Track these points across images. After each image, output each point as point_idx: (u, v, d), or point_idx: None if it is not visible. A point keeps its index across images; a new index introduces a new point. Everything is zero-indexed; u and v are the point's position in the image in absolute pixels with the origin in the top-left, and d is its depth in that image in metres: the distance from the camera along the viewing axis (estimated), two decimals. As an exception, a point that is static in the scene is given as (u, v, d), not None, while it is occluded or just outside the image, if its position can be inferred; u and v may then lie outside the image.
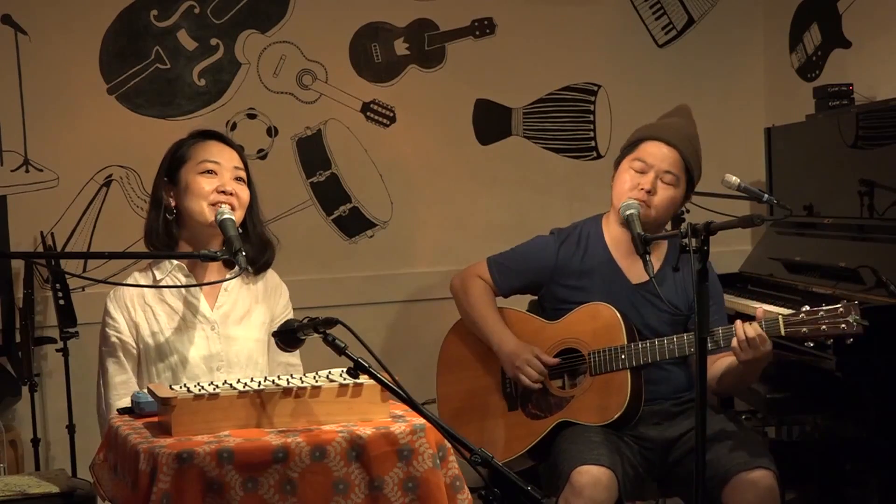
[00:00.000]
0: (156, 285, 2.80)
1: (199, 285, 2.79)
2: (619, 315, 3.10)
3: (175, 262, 2.80)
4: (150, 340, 2.75)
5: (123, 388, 2.73)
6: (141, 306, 2.77)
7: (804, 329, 2.81)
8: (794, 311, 2.85)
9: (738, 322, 2.89)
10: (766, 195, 3.16)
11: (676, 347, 3.02)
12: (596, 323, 3.14)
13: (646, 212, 3.11)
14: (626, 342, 3.07)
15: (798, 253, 3.86)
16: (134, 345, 2.76)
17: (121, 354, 2.75)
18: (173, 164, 2.85)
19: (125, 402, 2.64)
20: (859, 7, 4.13)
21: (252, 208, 2.85)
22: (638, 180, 3.12)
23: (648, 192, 3.10)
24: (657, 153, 3.15)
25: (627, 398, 3.03)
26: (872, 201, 3.55)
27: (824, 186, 3.88)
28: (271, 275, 2.93)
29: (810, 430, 4.10)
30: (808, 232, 3.92)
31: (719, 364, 3.09)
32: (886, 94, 3.85)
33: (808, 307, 2.84)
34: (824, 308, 2.80)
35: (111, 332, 2.76)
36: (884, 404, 3.15)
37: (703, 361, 2.54)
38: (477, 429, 3.29)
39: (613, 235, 3.22)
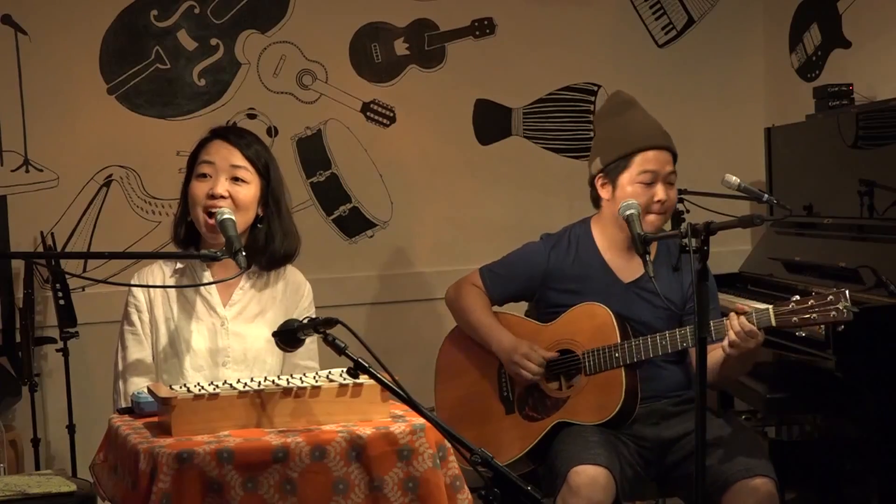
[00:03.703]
0: (155, 285, 2.81)
1: (196, 286, 2.80)
2: (611, 314, 3.10)
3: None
4: (161, 325, 2.79)
5: (140, 365, 2.78)
6: (160, 290, 2.80)
7: (794, 318, 2.81)
8: (783, 301, 2.85)
9: (733, 315, 2.89)
10: (766, 195, 3.16)
11: (669, 343, 3.02)
12: (589, 323, 3.14)
13: (664, 219, 3.13)
14: (619, 340, 3.08)
15: (798, 253, 3.86)
16: (149, 324, 2.81)
17: (140, 332, 2.81)
18: (189, 167, 2.84)
19: (141, 380, 2.71)
20: (859, 7, 4.13)
21: (268, 202, 2.83)
22: (649, 194, 3.10)
23: (663, 202, 3.12)
24: (657, 159, 3.13)
25: (623, 396, 3.03)
26: (872, 201, 3.55)
27: (824, 186, 3.88)
28: (293, 273, 2.92)
29: (810, 430, 4.11)
30: (808, 232, 3.92)
31: (710, 357, 3.08)
32: (886, 94, 3.85)
33: (797, 297, 2.83)
34: (814, 296, 2.80)
35: (132, 310, 2.82)
36: (884, 404, 3.15)
37: (704, 361, 2.54)
38: (475, 434, 3.28)
39: (605, 237, 3.22)
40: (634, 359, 3.06)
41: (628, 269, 3.19)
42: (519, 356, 3.16)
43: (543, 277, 3.24)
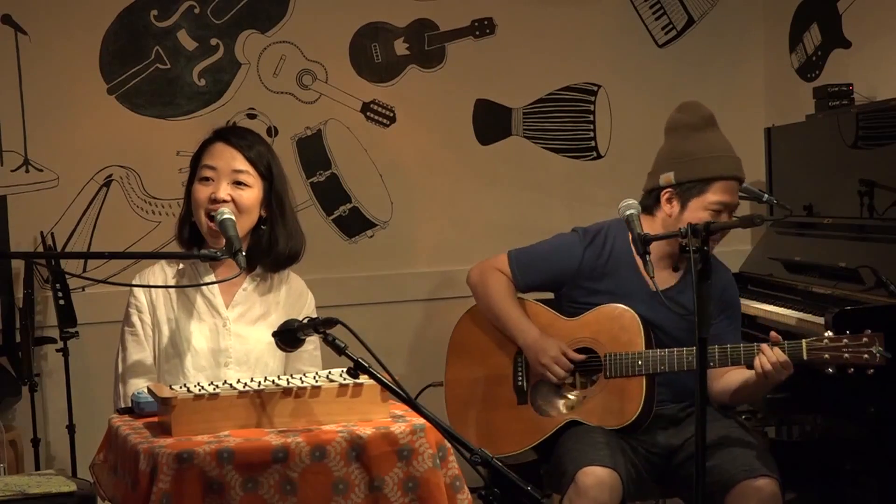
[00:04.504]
0: (156, 286, 2.81)
1: (196, 286, 2.80)
2: (639, 320, 3.07)
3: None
4: (164, 326, 2.80)
5: (140, 366, 2.78)
6: (163, 290, 2.80)
7: (826, 355, 2.81)
8: (817, 337, 2.84)
9: (765, 346, 2.87)
10: (766, 195, 3.17)
11: (695, 360, 2.97)
12: (614, 325, 3.10)
13: (714, 244, 3.09)
14: (643, 348, 3.05)
15: (798, 253, 3.86)
16: (151, 325, 2.81)
17: (140, 333, 2.81)
18: (192, 170, 2.84)
19: (140, 381, 2.71)
20: (859, 7, 4.13)
21: (270, 204, 2.82)
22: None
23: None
24: (732, 191, 3.12)
25: (641, 406, 3.01)
26: (872, 201, 3.55)
27: (824, 186, 3.88)
28: (296, 281, 2.92)
29: (810, 430, 4.10)
30: (808, 232, 3.92)
31: (732, 377, 3.06)
32: (886, 94, 3.85)
33: (831, 333, 2.82)
34: (848, 336, 2.79)
35: (133, 311, 2.82)
36: (884, 404, 3.15)
37: (704, 362, 2.53)
38: (484, 419, 3.26)
39: None
40: (658, 370, 3.02)
41: (659, 277, 3.10)
42: (548, 359, 3.12)
43: (574, 274, 3.20)
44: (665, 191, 3.15)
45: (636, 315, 3.09)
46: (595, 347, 3.13)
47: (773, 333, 2.92)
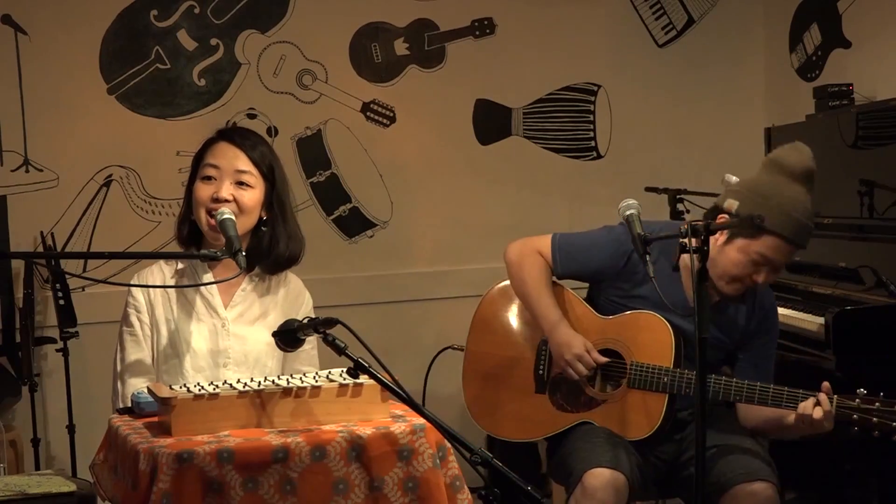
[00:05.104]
0: (155, 286, 2.81)
1: (195, 286, 2.80)
2: (672, 335, 2.99)
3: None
4: (162, 326, 2.79)
5: (139, 366, 2.78)
6: (161, 290, 2.80)
7: (855, 416, 2.75)
8: (850, 395, 2.77)
9: (810, 402, 2.81)
10: (766, 195, 3.14)
11: (722, 391, 2.91)
12: (646, 334, 3.03)
13: (744, 288, 3.00)
14: (671, 365, 2.98)
15: (798, 253, 3.85)
16: (149, 325, 2.81)
17: (139, 333, 2.80)
18: (194, 168, 2.83)
19: (139, 381, 2.71)
20: (859, 7, 4.14)
21: (272, 205, 2.81)
22: (752, 271, 2.93)
23: (758, 284, 2.97)
24: (783, 252, 2.93)
25: (657, 426, 2.97)
26: (872, 201, 3.55)
27: (824, 186, 3.85)
28: (295, 281, 2.91)
29: (810, 430, 4.10)
30: (807, 232, 3.92)
31: (769, 412, 2.99)
32: (886, 94, 3.85)
33: (863, 391, 2.76)
34: (880, 399, 2.72)
35: (131, 311, 2.82)
36: (884, 404, 3.15)
37: (704, 362, 2.52)
38: (497, 398, 3.21)
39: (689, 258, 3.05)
40: (682, 392, 2.95)
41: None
42: (572, 357, 3.04)
43: (617, 273, 3.11)
44: (721, 215, 2.95)
45: (671, 329, 3.00)
46: (622, 352, 3.06)
47: (825, 384, 2.82)
